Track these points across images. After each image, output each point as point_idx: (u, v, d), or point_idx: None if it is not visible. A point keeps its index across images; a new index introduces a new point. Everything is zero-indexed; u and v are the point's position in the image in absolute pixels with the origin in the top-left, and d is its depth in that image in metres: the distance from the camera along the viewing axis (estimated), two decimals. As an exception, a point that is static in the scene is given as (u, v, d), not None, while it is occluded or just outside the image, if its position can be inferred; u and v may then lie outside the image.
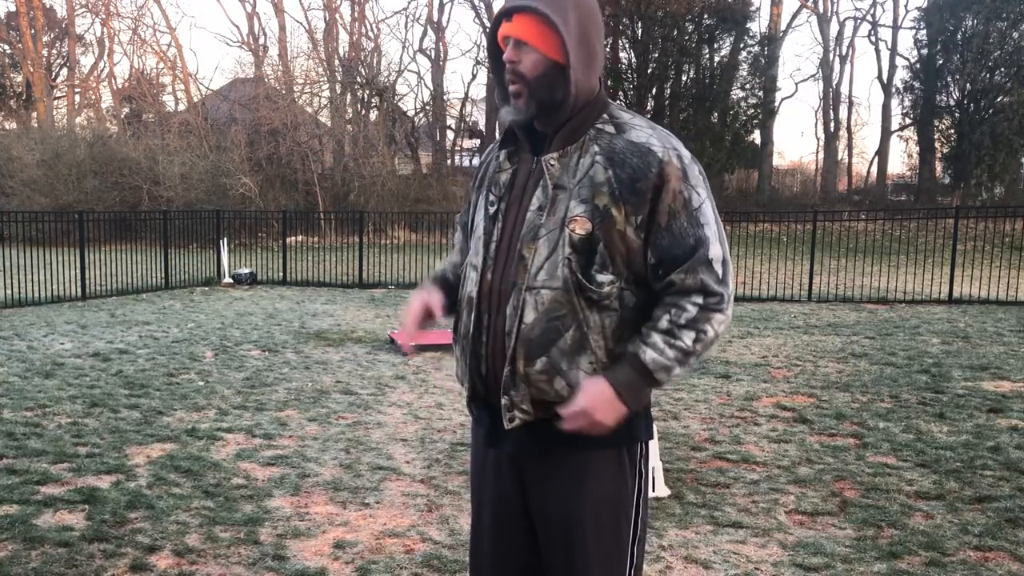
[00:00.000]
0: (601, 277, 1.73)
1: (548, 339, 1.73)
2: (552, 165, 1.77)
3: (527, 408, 1.77)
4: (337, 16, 30.75)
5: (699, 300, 1.71)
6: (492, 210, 1.84)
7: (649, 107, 27.57)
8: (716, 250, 1.73)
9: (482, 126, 32.05)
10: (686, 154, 1.77)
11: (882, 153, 31.27)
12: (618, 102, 1.93)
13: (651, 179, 1.71)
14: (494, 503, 1.94)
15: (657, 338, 1.72)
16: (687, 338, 1.71)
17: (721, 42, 27.62)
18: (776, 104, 29.68)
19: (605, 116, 1.81)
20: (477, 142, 32.00)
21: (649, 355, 1.71)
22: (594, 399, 1.71)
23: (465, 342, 1.86)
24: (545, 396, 1.76)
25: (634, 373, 1.72)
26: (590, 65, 1.78)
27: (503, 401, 1.79)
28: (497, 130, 29.63)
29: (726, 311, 1.74)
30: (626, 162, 1.72)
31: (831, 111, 31.62)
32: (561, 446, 1.81)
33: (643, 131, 1.77)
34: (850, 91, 56.10)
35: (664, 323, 1.72)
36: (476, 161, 32.80)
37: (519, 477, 1.89)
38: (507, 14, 1.78)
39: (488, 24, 30.60)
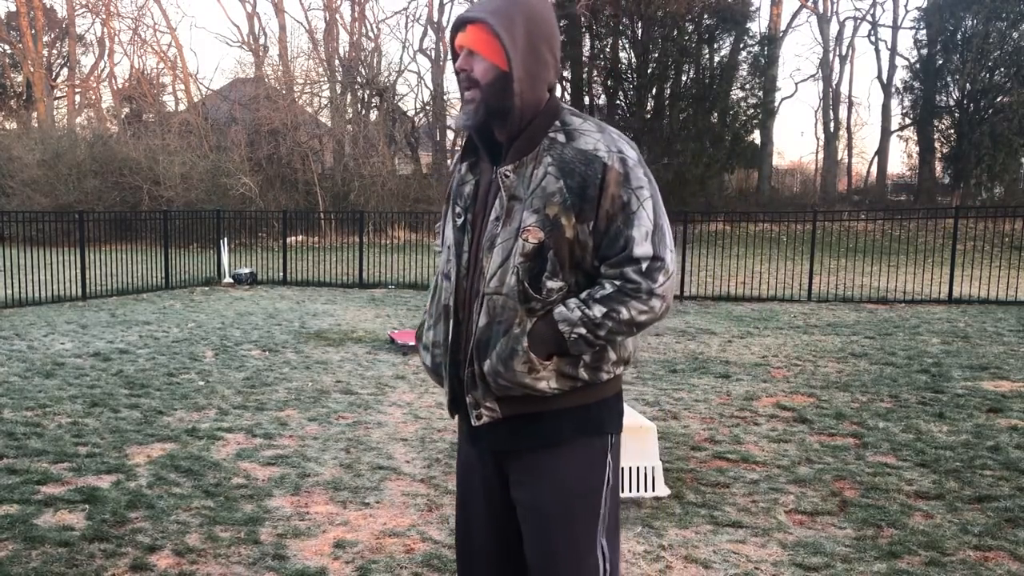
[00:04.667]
0: (551, 284, 1.82)
1: (490, 343, 1.84)
2: (507, 177, 1.84)
3: (492, 406, 1.87)
4: (337, 16, 30.74)
5: (616, 283, 1.80)
6: (460, 221, 1.94)
7: (649, 107, 27.57)
8: (641, 249, 1.79)
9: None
10: (631, 156, 1.82)
11: (882, 153, 31.27)
12: (576, 106, 2.00)
13: (598, 185, 1.78)
14: (483, 496, 2.02)
15: (572, 301, 1.82)
16: (596, 310, 1.79)
17: (721, 42, 27.60)
18: (776, 104, 29.68)
19: (557, 123, 1.86)
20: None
21: (559, 308, 1.81)
22: None
23: (444, 347, 1.96)
24: (506, 392, 1.85)
25: (543, 323, 1.82)
26: (538, 75, 1.84)
27: (468, 400, 1.90)
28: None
29: (647, 302, 1.80)
30: (575, 171, 1.79)
31: (831, 111, 31.62)
32: (532, 442, 1.90)
33: (591, 136, 1.83)
34: (850, 91, 56.29)
35: (583, 295, 1.82)
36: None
37: (501, 471, 1.99)
38: (461, 25, 1.86)
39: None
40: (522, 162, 1.83)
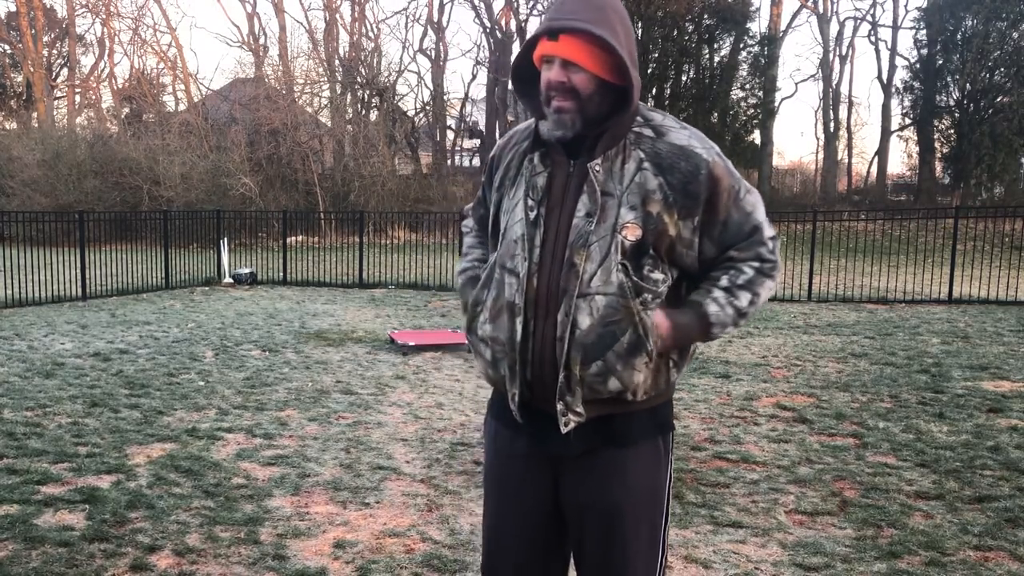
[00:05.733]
0: (655, 275, 1.79)
1: (604, 344, 1.76)
2: (598, 171, 1.79)
3: (580, 410, 1.80)
4: (337, 16, 30.75)
5: (755, 264, 1.84)
6: (532, 215, 1.83)
7: (649, 107, 27.54)
8: (769, 230, 1.87)
9: (482, 126, 32.05)
10: (719, 150, 1.85)
11: (882, 153, 31.26)
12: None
13: (702, 181, 1.77)
14: (528, 500, 1.95)
15: (719, 294, 1.82)
16: (743, 299, 1.82)
17: (721, 42, 27.64)
18: (776, 104, 29.67)
19: (639, 118, 1.83)
20: (477, 142, 31.99)
21: (712, 308, 1.82)
22: (655, 327, 1.79)
23: (510, 347, 1.84)
24: (598, 395, 1.80)
25: (695, 319, 1.82)
26: (637, 79, 1.81)
27: (559, 407, 1.80)
28: (497, 131, 29.62)
29: (776, 278, 1.87)
30: (675, 167, 1.77)
31: (831, 111, 31.60)
32: (607, 442, 1.86)
33: (680, 132, 1.82)
34: (850, 91, 56.19)
35: (725, 281, 1.83)
36: (476, 161, 32.75)
37: (554, 473, 1.92)
38: (551, 33, 1.76)
39: (488, 24, 30.66)
40: (607, 156, 1.79)
